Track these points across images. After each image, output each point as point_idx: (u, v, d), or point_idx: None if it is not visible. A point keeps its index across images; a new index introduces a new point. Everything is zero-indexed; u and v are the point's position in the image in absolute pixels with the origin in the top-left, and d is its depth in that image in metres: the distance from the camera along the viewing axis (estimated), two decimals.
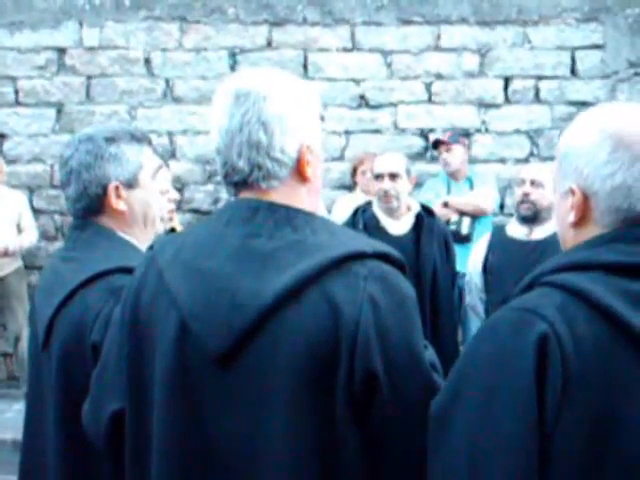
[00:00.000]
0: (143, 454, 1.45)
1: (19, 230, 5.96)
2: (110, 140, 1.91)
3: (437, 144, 5.67)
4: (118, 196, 1.91)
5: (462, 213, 5.29)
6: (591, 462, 1.20)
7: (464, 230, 5.18)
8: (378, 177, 4.25)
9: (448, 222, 5.21)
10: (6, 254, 5.81)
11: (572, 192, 1.36)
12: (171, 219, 2.76)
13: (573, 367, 1.20)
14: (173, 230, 3.49)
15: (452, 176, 5.62)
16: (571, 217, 1.38)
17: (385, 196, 4.20)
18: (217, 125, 1.44)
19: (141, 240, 1.98)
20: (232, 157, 1.42)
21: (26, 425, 1.95)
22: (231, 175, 1.45)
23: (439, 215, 5.10)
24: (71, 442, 1.77)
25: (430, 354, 1.46)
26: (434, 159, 6.18)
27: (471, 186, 5.57)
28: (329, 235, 1.40)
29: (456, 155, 5.57)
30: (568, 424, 1.20)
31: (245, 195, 1.46)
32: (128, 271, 1.76)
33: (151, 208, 1.99)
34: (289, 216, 1.41)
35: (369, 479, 1.36)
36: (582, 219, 1.37)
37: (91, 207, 1.92)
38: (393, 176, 4.20)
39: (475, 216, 5.29)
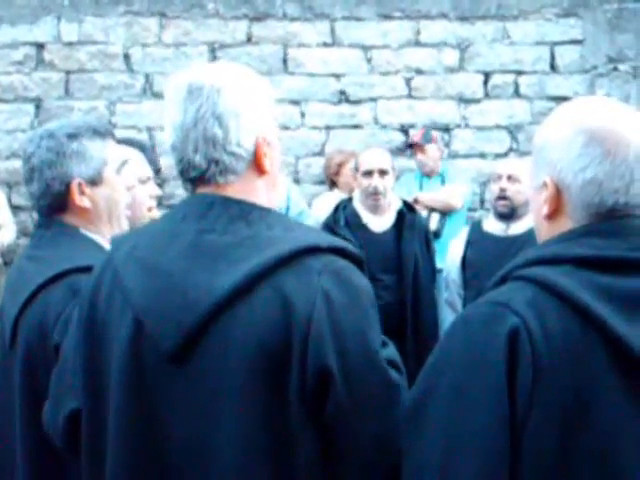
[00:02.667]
0: (100, 454, 1.43)
1: None
2: (72, 136, 1.88)
3: (410, 147, 5.72)
4: (82, 193, 1.88)
5: (432, 209, 5.32)
6: (562, 457, 1.20)
7: (433, 226, 5.20)
8: (367, 173, 4.22)
9: None
10: None
11: (546, 185, 1.37)
12: (151, 215, 2.74)
13: (543, 361, 1.21)
14: None
15: (426, 173, 5.65)
16: (545, 210, 1.38)
17: (375, 193, 4.18)
18: (171, 121, 1.42)
19: (107, 237, 1.95)
20: (188, 153, 1.40)
21: None
22: (188, 171, 1.43)
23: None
24: (37, 442, 1.76)
25: (390, 351, 1.44)
26: (414, 155, 6.19)
27: (443, 182, 5.62)
28: (284, 230, 1.39)
29: (429, 155, 5.64)
30: (538, 418, 1.20)
31: (202, 191, 1.44)
32: (90, 270, 1.76)
33: (117, 205, 1.97)
34: (243, 211, 1.39)
35: (326, 479, 1.36)
36: (555, 212, 1.37)
37: (55, 205, 1.90)
38: (382, 172, 4.20)
39: (444, 212, 5.32)
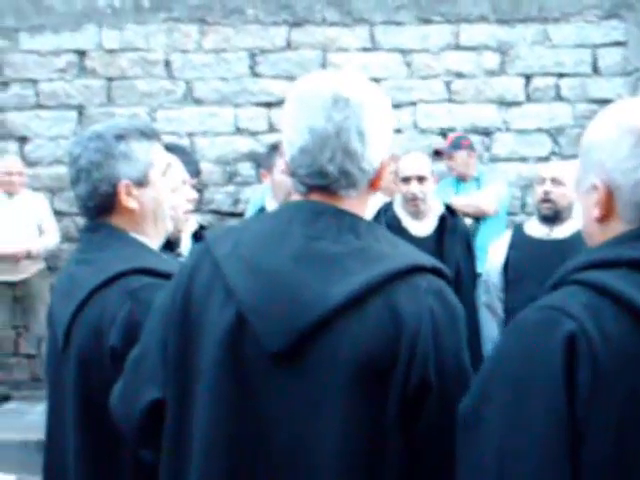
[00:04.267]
0: (184, 445, 1.43)
1: (41, 232, 5.99)
2: (119, 137, 1.88)
3: (436, 154, 5.68)
4: (128, 194, 1.89)
5: (464, 214, 5.28)
6: (619, 460, 1.19)
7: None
8: (405, 180, 4.21)
9: None
10: (28, 256, 5.84)
11: (595, 187, 1.35)
12: (187, 219, 2.75)
13: (602, 365, 1.19)
14: (202, 228, 3.48)
15: (460, 178, 5.61)
16: (595, 213, 1.36)
17: (413, 199, 4.16)
18: (306, 124, 1.42)
19: (152, 238, 1.96)
20: (322, 160, 1.41)
21: (48, 427, 1.95)
22: (314, 178, 1.44)
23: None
24: (90, 444, 1.77)
25: None
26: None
27: (479, 185, 5.55)
28: (391, 245, 1.41)
29: (458, 161, 5.55)
30: (598, 422, 1.18)
31: (315, 197, 1.45)
32: (143, 272, 1.77)
33: (162, 206, 1.97)
34: (353, 223, 1.41)
35: None
36: (607, 214, 1.36)
37: (102, 206, 1.90)
38: (421, 179, 4.17)
39: (477, 217, 5.27)
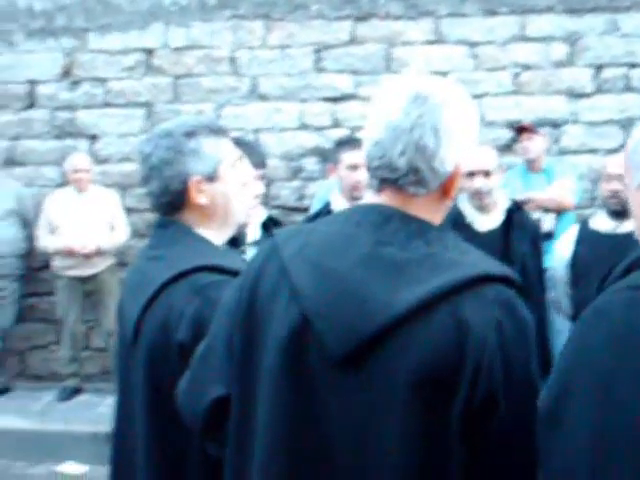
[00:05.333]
0: (247, 442, 1.45)
1: (111, 228, 6.11)
2: (189, 134, 1.90)
3: (520, 130, 5.57)
4: (199, 190, 1.90)
5: (546, 209, 5.17)
6: None
7: (547, 227, 5.05)
8: (470, 174, 4.13)
9: None
10: (99, 252, 5.96)
11: None
12: (252, 215, 2.76)
13: None
14: (274, 221, 3.49)
15: (530, 166, 5.51)
16: None
17: (478, 194, 4.08)
18: (384, 119, 1.42)
19: (222, 233, 1.98)
20: (393, 154, 1.40)
21: (116, 419, 1.98)
22: (383, 170, 1.43)
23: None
24: (158, 437, 1.79)
25: None
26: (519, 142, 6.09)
27: (548, 178, 5.45)
28: (460, 253, 1.39)
29: (537, 144, 5.46)
30: None
31: (386, 194, 1.45)
32: (211, 269, 1.79)
33: (232, 200, 1.98)
34: (422, 229, 1.39)
35: None
36: None
37: (173, 203, 1.92)
38: (486, 173, 4.06)
39: (558, 212, 5.17)
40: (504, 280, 1.37)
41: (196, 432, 1.60)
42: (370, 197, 1.49)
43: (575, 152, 6.09)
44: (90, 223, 6.03)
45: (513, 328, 1.34)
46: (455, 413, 1.30)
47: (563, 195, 5.20)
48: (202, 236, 1.92)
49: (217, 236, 1.97)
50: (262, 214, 3.45)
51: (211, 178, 1.92)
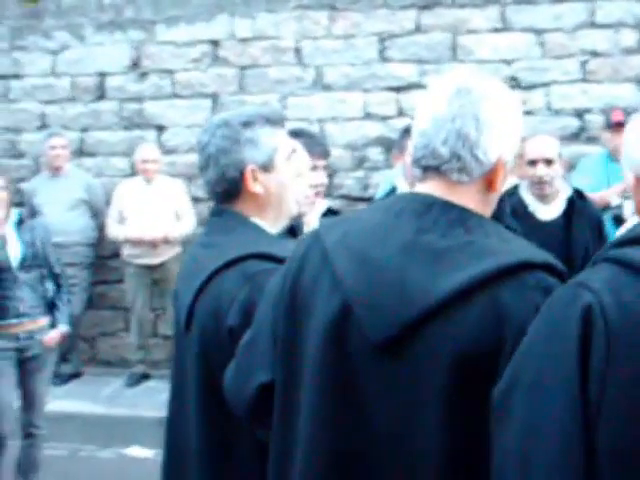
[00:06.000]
0: (291, 429, 1.48)
1: (178, 217, 6.21)
2: (246, 124, 1.93)
3: (616, 126, 5.42)
4: (255, 179, 1.93)
5: (625, 196, 5.06)
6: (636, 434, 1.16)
7: (627, 213, 4.96)
8: (532, 163, 4.08)
9: (608, 207, 5.01)
10: (166, 241, 6.07)
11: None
12: (313, 204, 2.77)
13: (618, 336, 1.17)
14: (333, 212, 3.51)
15: (614, 155, 5.39)
16: None
17: (540, 182, 4.04)
18: (430, 110, 1.47)
19: (275, 222, 2.01)
20: (436, 142, 1.44)
21: (170, 405, 2.02)
22: (427, 158, 1.46)
23: (602, 197, 4.89)
24: (210, 423, 1.83)
25: None
26: (590, 140, 5.97)
27: None
28: (501, 241, 1.41)
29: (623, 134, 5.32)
30: (613, 394, 1.16)
31: (430, 182, 1.48)
32: (262, 257, 1.82)
33: (287, 191, 2.00)
34: (462, 216, 1.42)
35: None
36: None
37: (229, 191, 1.95)
38: (548, 162, 4.03)
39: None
40: (546, 267, 1.39)
41: (242, 418, 1.64)
42: (418, 187, 1.51)
43: None
44: (158, 212, 6.15)
45: None
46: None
47: None
48: (256, 224, 1.95)
49: (272, 225, 2.00)
50: (322, 206, 3.47)
51: (266, 168, 1.95)
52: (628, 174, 1.46)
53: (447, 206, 1.43)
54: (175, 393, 2.01)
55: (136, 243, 6.13)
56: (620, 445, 1.17)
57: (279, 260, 1.75)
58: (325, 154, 3.17)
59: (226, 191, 1.95)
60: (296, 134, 2.68)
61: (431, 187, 1.47)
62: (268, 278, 1.69)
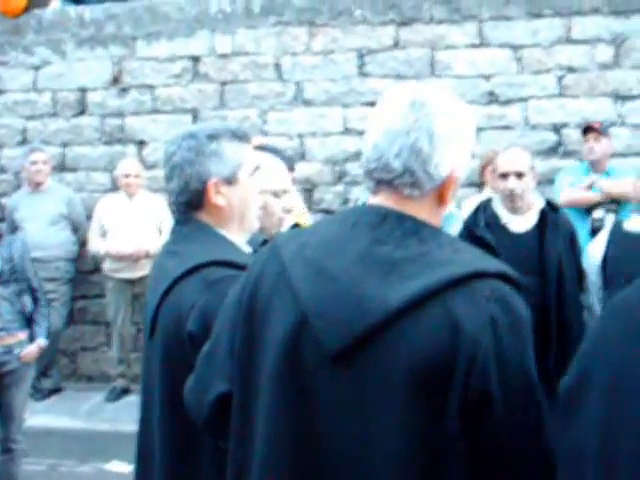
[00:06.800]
0: (247, 438, 1.49)
1: (159, 232, 6.22)
2: (212, 137, 1.96)
3: (587, 130, 5.54)
4: (217, 192, 1.95)
5: (608, 209, 5.11)
6: None
7: (608, 225, 5.00)
8: (504, 176, 4.12)
9: (589, 211, 5.06)
10: (147, 255, 6.08)
11: None
12: (282, 225, 2.80)
13: None
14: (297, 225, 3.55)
15: (593, 167, 5.46)
16: None
17: (511, 195, 4.07)
18: (383, 122, 1.48)
19: (237, 235, 2.02)
20: (389, 155, 1.45)
21: (140, 413, 2.04)
22: (380, 171, 1.47)
23: (580, 200, 4.91)
24: (174, 427, 1.84)
25: None
26: (567, 154, 6.03)
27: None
28: (454, 251, 1.41)
29: (602, 146, 5.45)
30: None
31: (382, 195, 1.49)
32: (223, 264, 1.84)
33: (249, 205, 2.03)
34: (416, 228, 1.43)
35: None
36: None
37: (192, 202, 1.97)
38: (519, 175, 4.06)
39: (619, 202, 5.10)
40: (500, 277, 1.39)
41: (202, 429, 1.65)
42: (371, 199, 1.52)
43: (622, 155, 6.02)
44: (139, 227, 6.16)
45: (508, 323, 1.35)
46: (451, 408, 1.31)
47: (626, 186, 5.11)
48: (218, 233, 1.97)
49: (234, 238, 2.01)
50: (307, 218, 3.50)
51: (230, 181, 1.98)
52: None
53: (401, 218, 1.44)
54: (144, 403, 2.03)
55: (117, 257, 6.14)
56: None
57: (240, 267, 1.77)
58: (291, 168, 3.21)
59: (189, 202, 1.98)
60: (261, 149, 2.72)
61: (383, 200, 1.48)
62: (229, 285, 1.70)
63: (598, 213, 5.11)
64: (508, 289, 1.39)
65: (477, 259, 1.42)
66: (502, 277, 1.39)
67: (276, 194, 2.47)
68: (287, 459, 1.42)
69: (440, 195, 1.49)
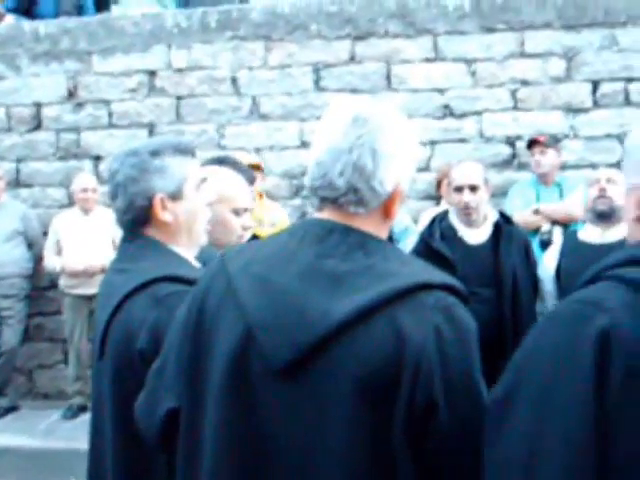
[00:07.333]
0: (195, 455, 1.48)
1: (115, 248, 6.17)
2: (154, 153, 1.95)
3: (532, 144, 5.62)
4: (163, 208, 1.95)
5: (553, 221, 5.19)
6: None
7: (556, 239, 5.08)
8: (458, 189, 4.18)
9: (538, 231, 5.13)
10: (103, 271, 6.02)
11: (635, 188, 1.35)
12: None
13: (635, 363, 1.17)
14: (255, 237, 3.55)
15: (541, 180, 5.54)
16: (632, 213, 1.36)
17: (466, 208, 4.13)
18: (326, 139, 1.48)
19: (186, 251, 2.02)
20: (333, 173, 1.45)
21: (91, 434, 2.02)
22: (324, 189, 1.48)
23: (529, 222, 5.00)
24: (126, 446, 1.82)
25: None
26: (521, 167, 6.10)
27: (560, 191, 5.47)
28: (399, 263, 1.43)
29: (549, 158, 5.53)
30: (630, 423, 1.16)
31: (327, 212, 1.49)
32: (173, 280, 1.83)
33: (196, 219, 2.03)
34: (362, 241, 1.44)
35: None
36: None
37: (138, 219, 1.97)
38: (473, 188, 4.12)
39: (566, 224, 5.19)
40: (445, 288, 1.41)
41: (153, 445, 1.64)
42: (316, 215, 1.53)
43: (575, 167, 6.11)
44: (95, 242, 6.11)
45: (453, 334, 1.37)
46: (397, 418, 1.33)
47: (572, 207, 5.21)
48: (167, 248, 1.96)
49: (182, 252, 2.01)
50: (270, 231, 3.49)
51: (175, 196, 1.97)
52: (628, 183, 1.39)
53: (347, 231, 1.45)
54: (94, 422, 2.00)
55: (72, 274, 6.08)
56: (634, 468, 1.16)
57: (190, 282, 1.76)
58: (250, 180, 3.21)
59: (134, 219, 1.97)
60: (220, 161, 2.71)
61: (329, 215, 1.49)
62: (178, 300, 1.70)
63: (545, 227, 5.19)
64: (453, 300, 1.41)
65: (422, 271, 1.44)
66: (447, 288, 1.42)
67: (237, 212, 2.47)
68: (234, 473, 1.41)
69: (385, 209, 1.51)
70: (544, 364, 1.24)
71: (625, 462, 1.16)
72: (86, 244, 6.09)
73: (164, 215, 1.96)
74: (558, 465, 1.18)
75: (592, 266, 1.37)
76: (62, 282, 6.22)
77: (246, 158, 5.45)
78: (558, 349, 1.24)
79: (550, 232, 5.15)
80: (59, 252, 6.20)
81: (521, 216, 5.18)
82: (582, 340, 1.21)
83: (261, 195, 5.55)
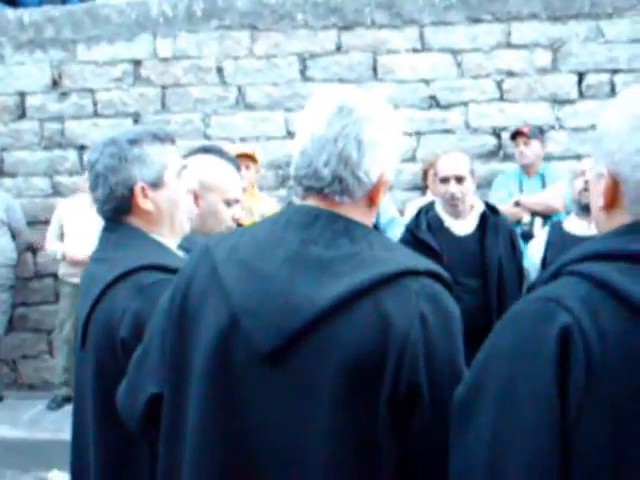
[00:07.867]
0: (178, 440, 1.48)
1: None
2: (133, 142, 1.94)
3: (516, 135, 5.64)
4: (144, 196, 1.94)
5: (534, 213, 5.22)
6: (614, 456, 1.16)
7: (536, 231, 5.10)
8: (444, 180, 4.19)
9: (519, 222, 5.15)
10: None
11: (603, 176, 1.33)
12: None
13: (596, 361, 1.17)
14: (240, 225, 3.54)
15: (525, 171, 5.56)
16: (601, 201, 1.35)
17: (452, 199, 4.15)
18: (310, 129, 1.48)
19: (168, 238, 2.01)
20: (318, 163, 1.46)
21: (73, 425, 2.02)
22: (309, 179, 1.48)
23: (510, 214, 5.03)
24: (108, 436, 1.82)
25: None
26: (507, 158, 6.11)
27: (543, 182, 5.50)
28: (384, 250, 1.43)
29: (533, 149, 5.55)
30: (592, 417, 1.16)
31: (311, 201, 1.49)
32: (155, 268, 1.83)
33: (178, 207, 2.02)
34: (347, 227, 1.44)
35: None
36: (612, 204, 1.34)
37: (119, 208, 1.96)
38: (459, 179, 4.14)
39: (546, 216, 5.21)
40: (430, 275, 1.42)
41: (135, 432, 1.64)
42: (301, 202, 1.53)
43: (560, 158, 6.12)
44: (97, 233, 6.02)
45: (437, 320, 1.38)
46: (381, 403, 1.33)
47: (552, 198, 5.24)
48: (149, 237, 1.96)
49: (165, 240, 2.00)
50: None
51: (156, 184, 1.96)
52: (596, 169, 1.37)
53: (333, 217, 1.45)
54: (77, 412, 2.00)
55: (73, 262, 6.00)
56: (595, 465, 1.16)
57: (172, 270, 1.76)
58: (236, 169, 3.19)
59: (116, 209, 1.96)
60: (206, 150, 2.70)
61: (314, 203, 1.49)
62: (161, 289, 1.69)
63: (526, 218, 5.21)
64: (438, 286, 1.42)
65: (407, 258, 1.44)
66: (432, 275, 1.42)
67: (228, 203, 2.46)
68: (217, 458, 1.42)
69: (370, 198, 1.51)
70: (507, 362, 1.24)
71: (588, 460, 1.16)
72: (89, 233, 6.00)
73: (145, 204, 1.95)
74: (522, 467, 1.18)
75: (556, 260, 1.37)
76: (61, 270, 6.13)
77: (241, 149, 5.44)
78: (521, 347, 1.23)
79: (531, 224, 5.17)
80: (60, 237, 6.11)
81: (502, 208, 5.19)
82: (545, 338, 1.20)
83: (253, 185, 5.54)
